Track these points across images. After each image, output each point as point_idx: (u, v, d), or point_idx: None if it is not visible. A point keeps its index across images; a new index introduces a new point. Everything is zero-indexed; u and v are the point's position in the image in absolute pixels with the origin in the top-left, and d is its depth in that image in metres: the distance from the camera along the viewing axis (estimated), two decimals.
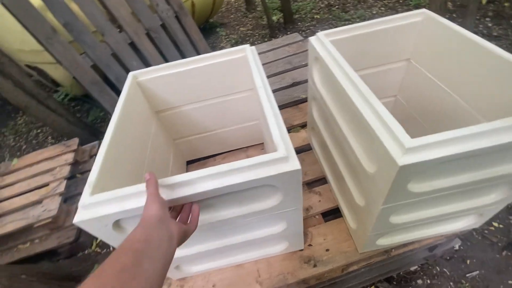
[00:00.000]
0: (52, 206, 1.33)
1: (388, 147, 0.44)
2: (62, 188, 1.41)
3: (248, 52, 0.76)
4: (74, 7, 1.72)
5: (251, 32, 3.02)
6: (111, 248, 1.47)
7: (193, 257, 0.69)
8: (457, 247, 1.12)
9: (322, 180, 0.97)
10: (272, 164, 0.45)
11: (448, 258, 1.10)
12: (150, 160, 0.75)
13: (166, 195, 0.45)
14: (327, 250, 0.79)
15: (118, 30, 1.96)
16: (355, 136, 0.60)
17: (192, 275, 0.79)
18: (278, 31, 2.84)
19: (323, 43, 0.71)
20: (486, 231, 1.14)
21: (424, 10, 0.76)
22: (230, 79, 0.85)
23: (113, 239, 0.52)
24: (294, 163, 0.45)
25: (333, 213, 0.89)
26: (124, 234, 0.51)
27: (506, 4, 2.58)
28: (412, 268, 1.08)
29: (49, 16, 1.65)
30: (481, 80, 0.62)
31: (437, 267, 1.07)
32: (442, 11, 1.30)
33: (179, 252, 0.67)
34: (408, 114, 0.90)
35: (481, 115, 0.65)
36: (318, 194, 0.93)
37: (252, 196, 0.53)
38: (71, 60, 1.74)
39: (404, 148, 0.42)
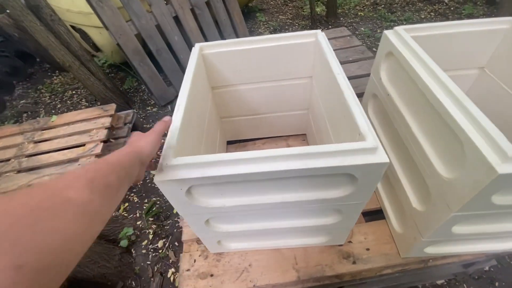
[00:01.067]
0: None
1: (485, 153, 0.42)
2: (99, 149, 1.45)
3: (320, 38, 0.74)
4: None
5: (290, 21, 2.95)
6: (137, 215, 1.53)
7: (236, 234, 0.70)
8: (487, 267, 1.09)
9: None
10: (359, 154, 0.45)
11: (476, 277, 1.07)
12: (207, 134, 0.76)
13: (247, 168, 0.45)
14: (367, 249, 0.78)
15: (165, 1, 1.96)
16: (431, 138, 0.58)
17: (230, 251, 0.81)
18: (319, 23, 2.77)
19: (403, 38, 0.68)
20: None
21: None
22: (292, 63, 0.84)
23: (181, 204, 0.53)
24: (382, 156, 0.44)
25: (374, 214, 0.87)
26: (191, 201, 0.52)
27: None
28: (439, 282, 1.07)
29: None
30: None
31: (464, 285, 1.05)
32: None
33: (226, 227, 0.68)
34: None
35: None
36: None
37: (323, 183, 0.52)
38: (117, 26, 1.76)
39: (506, 156, 0.41)
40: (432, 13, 2.74)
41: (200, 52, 0.79)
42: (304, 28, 2.77)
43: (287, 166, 0.45)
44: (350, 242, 0.80)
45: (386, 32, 0.75)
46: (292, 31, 2.76)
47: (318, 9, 2.85)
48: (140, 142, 0.43)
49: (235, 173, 0.45)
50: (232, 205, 0.55)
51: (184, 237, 0.86)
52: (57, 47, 1.70)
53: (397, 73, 0.71)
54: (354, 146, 0.44)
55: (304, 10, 3.05)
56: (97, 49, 2.26)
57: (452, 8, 2.78)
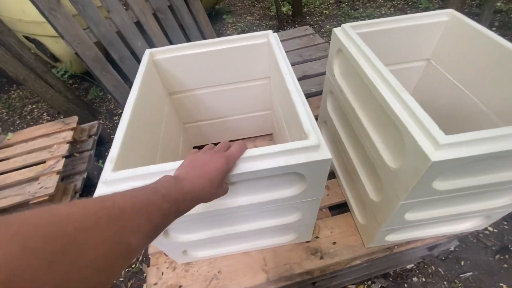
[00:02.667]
0: (49, 184, 1.30)
1: (420, 142, 0.44)
2: (60, 166, 1.37)
3: (271, 38, 0.75)
4: None
5: (258, 22, 2.97)
6: None
7: (200, 242, 0.68)
8: (452, 248, 1.15)
9: (331, 174, 0.97)
10: (303, 152, 0.45)
11: (443, 258, 1.13)
12: (163, 142, 0.74)
13: None
14: (334, 243, 0.80)
15: (125, 7, 1.89)
16: (378, 131, 0.60)
17: (198, 260, 0.79)
18: (286, 23, 2.80)
19: (349, 35, 0.70)
20: (481, 235, 1.18)
21: (451, 10, 0.76)
22: (248, 65, 0.84)
23: None
24: (325, 152, 0.45)
25: (340, 208, 0.89)
26: None
27: None
28: (409, 266, 1.11)
29: None
30: (504, 84, 0.63)
31: (433, 267, 1.10)
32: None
33: (187, 237, 0.66)
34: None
35: (499, 119, 0.65)
36: (326, 188, 0.93)
37: (274, 184, 0.52)
38: (73, 35, 1.68)
39: (438, 144, 0.42)
40: (392, 9, 2.87)
41: (151, 58, 0.77)
42: (271, 28, 2.79)
43: (235, 170, 0.44)
44: (317, 237, 0.81)
45: (334, 29, 0.77)
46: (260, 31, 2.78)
47: (284, 9, 2.89)
48: (210, 196, 0.40)
49: None
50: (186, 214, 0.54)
51: (150, 250, 0.83)
52: (8, 59, 1.59)
53: (347, 69, 0.72)
54: (296, 145, 0.44)
55: (271, 10, 3.08)
56: (55, 59, 2.15)
57: (410, 3, 2.92)
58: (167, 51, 0.78)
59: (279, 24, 2.74)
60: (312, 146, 0.45)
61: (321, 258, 0.77)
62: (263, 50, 0.80)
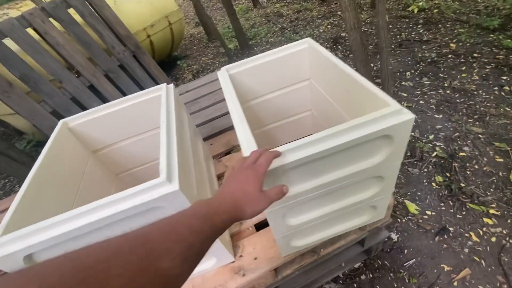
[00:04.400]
0: None
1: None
2: None
3: (163, 91, 0.87)
4: (29, 59, 1.82)
5: (212, 60, 3.21)
6: None
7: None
8: (395, 238, 1.20)
9: None
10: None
11: (388, 250, 1.18)
12: (82, 195, 0.82)
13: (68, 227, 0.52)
14: (255, 258, 0.86)
15: (76, 75, 2.06)
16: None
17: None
18: (236, 57, 3.03)
19: (223, 76, 0.83)
20: (420, 220, 1.24)
21: (308, 39, 0.90)
22: (152, 114, 0.95)
23: None
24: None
25: (265, 225, 0.96)
26: None
27: (435, 11, 2.88)
28: (356, 265, 1.15)
29: (5, 70, 1.74)
30: (346, 92, 0.75)
31: (379, 261, 1.15)
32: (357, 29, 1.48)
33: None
34: (320, 125, 1.03)
35: None
36: None
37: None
38: (29, 110, 1.82)
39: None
40: (329, 26, 3.14)
41: (65, 126, 0.88)
42: (223, 64, 3.02)
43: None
44: (241, 256, 0.88)
45: (217, 72, 0.89)
46: (213, 69, 3.00)
47: (232, 45, 3.15)
48: (246, 206, 0.38)
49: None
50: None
51: None
52: None
53: None
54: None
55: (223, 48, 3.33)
56: (20, 133, 2.28)
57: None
58: (80, 117, 0.90)
59: (229, 59, 2.97)
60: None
61: (244, 275, 0.83)
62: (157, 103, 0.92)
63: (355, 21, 1.51)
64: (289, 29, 3.36)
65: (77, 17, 1.98)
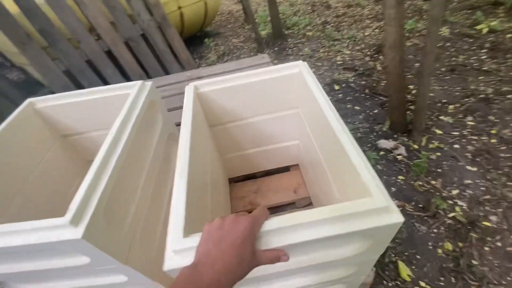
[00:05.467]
0: None
1: None
2: None
3: (132, 91, 0.76)
4: (52, 14, 1.79)
5: (241, 44, 3.02)
6: None
7: None
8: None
9: None
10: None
11: None
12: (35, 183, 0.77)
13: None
14: None
15: (96, 38, 2.02)
16: None
17: None
18: (266, 46, 2.82)
19: (190, 95, 0.70)
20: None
21: (300, 62, 0.74)
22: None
23: None
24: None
25: None
26: None
27: (508, 36, 2.42)
28: None
29: (25, 22, 1.73)
30: (331, 149, 0.59)
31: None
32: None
33: None
34: (305, 159, 0.87)
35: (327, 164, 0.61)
36: None
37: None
38: (42, 65, 1.82)
39: None
40: (377, 30, 2.79)
41: (32, 107, 0.81)
42: (251, 51, 2.83)
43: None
44: None
45: (186, 87, 0.75)
46: (239, 54, 2.82)
47: (264, 32, 2.93)
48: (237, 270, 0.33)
49: None
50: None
51: None
52: None
53: None
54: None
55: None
56: (41, 84, 2.33)
57: None
58: (51, 100, 0.82)
59: (259, 47, 2.77)
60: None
61: None
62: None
63: (397, 38, 1.26)
64: (332, 24, 3.04)
65: None
